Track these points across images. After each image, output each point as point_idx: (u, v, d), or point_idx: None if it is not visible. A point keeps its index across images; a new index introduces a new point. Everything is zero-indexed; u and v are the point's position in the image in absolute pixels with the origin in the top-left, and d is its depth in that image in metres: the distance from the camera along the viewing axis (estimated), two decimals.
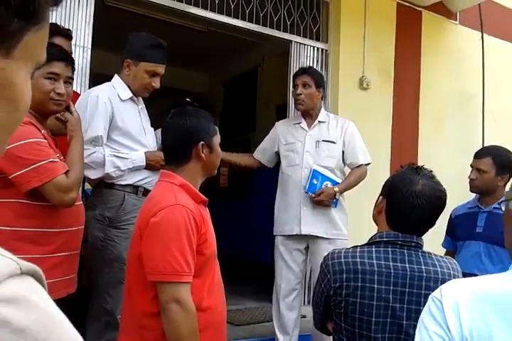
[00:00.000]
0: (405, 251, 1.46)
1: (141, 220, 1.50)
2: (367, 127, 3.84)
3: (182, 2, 3.41)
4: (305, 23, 4.01)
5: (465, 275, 1.51)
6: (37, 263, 1.61)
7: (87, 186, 2.51)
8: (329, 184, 2.78)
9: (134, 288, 1.51)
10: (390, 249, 1.45)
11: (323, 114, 2.99)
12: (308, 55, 3.98)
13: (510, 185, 1.03)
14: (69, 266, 1.77)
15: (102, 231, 2.11)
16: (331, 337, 2.44)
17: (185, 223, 1.45)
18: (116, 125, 2.15)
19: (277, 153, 3.04)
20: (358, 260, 1.45)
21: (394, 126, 4.17)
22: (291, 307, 2.78)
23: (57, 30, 2.50)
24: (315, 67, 3.97)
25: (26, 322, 0.34)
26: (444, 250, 2.76)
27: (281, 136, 3.00)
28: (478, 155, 2.65)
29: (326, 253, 1.58)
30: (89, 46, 2.99)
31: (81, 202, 1.87)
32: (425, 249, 1.51)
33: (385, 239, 1.47)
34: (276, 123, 3.20)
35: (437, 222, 1.51)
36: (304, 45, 3.97)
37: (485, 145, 4.51)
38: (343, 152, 2.92)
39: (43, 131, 1.71)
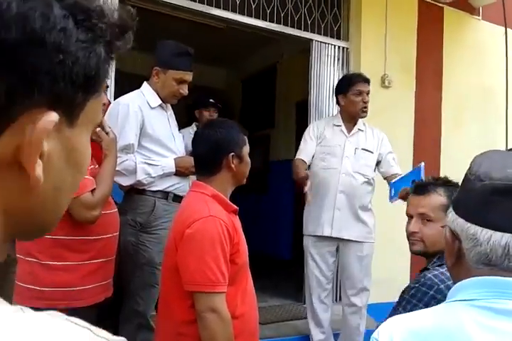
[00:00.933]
0: None
1: (176, 232, 1.55)
2: (389, 125, 3.84)
3: (204, 3, 3.45)
4: (326, 21, 4.01)
5: None
6: (76, 269, 1.68)
7: None
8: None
9: (170, 297, 1.56)
10: None
11: (360, 123, 3.03)
12: (330, 53, 3.98)
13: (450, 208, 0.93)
14: (106, 272, 1.84)
15: (133, 236, 2.18)
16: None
17: (218, 234, 1.50)
18: (146, 132, 2.20)
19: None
20: None
21: (416, 123, 4.16)
22: (324, 307, 2.90)
23: None
24: (336, 65, 3.99)
25: None
26: None
27: (320, 136, 2.98)
28: None
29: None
30: None
31: (115, 210, 1.93)
32: None
33: None
34: (315, 122, 3.22)
35: None
36: (325, 43, 3.96)
37: (508, 142, 4.50)
38: (377, 162, 2.98)
39: None
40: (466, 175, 0.89)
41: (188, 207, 1.61)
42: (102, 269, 1.80)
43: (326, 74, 3.94)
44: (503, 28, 4.63)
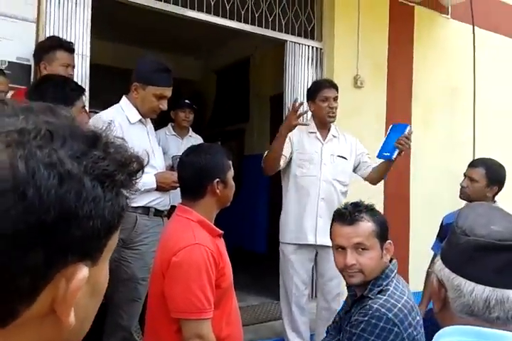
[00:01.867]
0: None
1: (163, 259, 1.60)
2: (361, 125, 3.93)
3: (178, 5, 3.42)
4: (300, 22, 4.03)
5: None
6: None
7: None
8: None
9: (157, 322, 1.62)
10: None
11: (333, 129, 3.06)
12: (304, 54, 4.02)
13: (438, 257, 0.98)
14: None
15: (116, 253, 2.18)
16: None
17: (204, 262, 1.55)
18: None
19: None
20: None
21: (387, 123, 4.24)
22: (302, 311, 2.91)
23: (59, 44, 2.52)
24: (310, 66, 4.03)
25: None
26: (433, 253, 2.87)
27: (297, 144, 2.97)
28: (473, 164, 2.77)
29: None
30: (88, 55, 3.00)
31: None
32: None
33: None
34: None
35: None
36: (299, 44, 3.99)
37: (476, 140, 4.64)
38: (354, 167, 3.05)
39: None
40: (453, 227, 0.96)
41: (175, 233, 1.66)
42: None
43: (300, 74, 3.98)
44: (471, 27, 4.73)
